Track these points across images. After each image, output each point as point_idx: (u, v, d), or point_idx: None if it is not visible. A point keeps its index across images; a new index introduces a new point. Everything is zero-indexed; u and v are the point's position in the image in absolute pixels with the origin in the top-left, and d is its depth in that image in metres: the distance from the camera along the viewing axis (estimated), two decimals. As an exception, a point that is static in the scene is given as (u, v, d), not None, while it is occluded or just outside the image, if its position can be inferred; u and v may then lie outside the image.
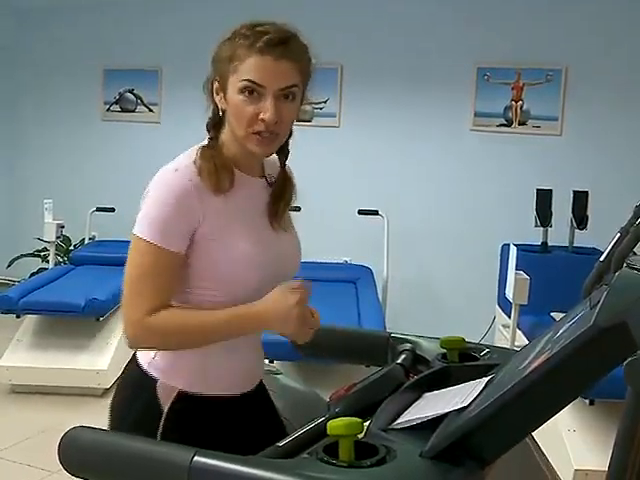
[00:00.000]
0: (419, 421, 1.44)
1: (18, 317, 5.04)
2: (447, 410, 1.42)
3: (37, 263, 6.83)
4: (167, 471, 1.28)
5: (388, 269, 5.56)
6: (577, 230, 5.14)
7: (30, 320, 5.12)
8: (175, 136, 6.84)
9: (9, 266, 6.99)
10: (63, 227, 5.87)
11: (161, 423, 1.68)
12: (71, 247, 6.83)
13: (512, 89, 5.81)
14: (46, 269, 6.16)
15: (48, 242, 5.89)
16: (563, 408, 1.25)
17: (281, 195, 1.82)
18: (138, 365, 1.74)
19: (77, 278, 5.59)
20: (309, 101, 1.78)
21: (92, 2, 6.80)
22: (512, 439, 1.28)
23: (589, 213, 5.08)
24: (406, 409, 1.55)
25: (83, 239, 6.54)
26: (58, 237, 5.86)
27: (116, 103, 7.12)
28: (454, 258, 6.10)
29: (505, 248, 5.05)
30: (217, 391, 1.74)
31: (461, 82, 5.94)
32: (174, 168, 1.64)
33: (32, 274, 6.43)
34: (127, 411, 1.74)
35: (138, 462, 1.31)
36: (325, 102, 6.41)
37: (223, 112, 1.69)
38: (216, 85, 1.69)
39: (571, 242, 5.18)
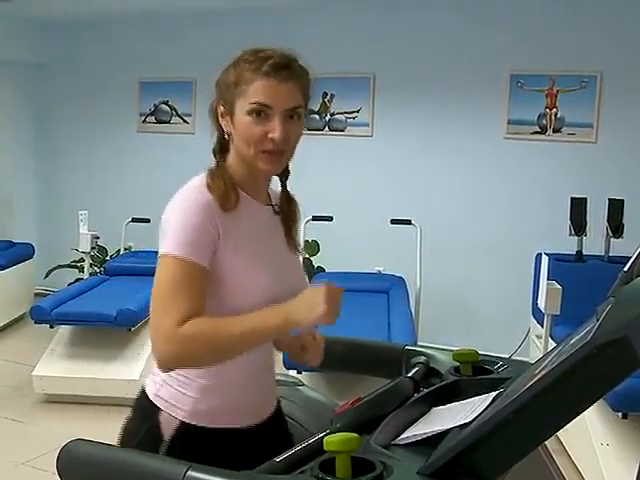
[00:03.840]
0: (421, 437, 1.41)
1: (52, 327, 5.10)
2: (450, 426, 1.39)
3: (74, 273, 6.91)
4: (160, 486, 1.27)
5: (421, 279, 5.51)
6: (613, 239, 5.04)
7: (63, 330, 5.17)
8: (209, 146, 6.86)
9: (47, 276, 7.09)
10: (98, 238, 5.94)
11: (161, 452, 1.70)
12: (107, 258, 6.89)
13: (546, 96, 5.73)
14: (82, 279, 6.22)
15: (83, 253, 5.95)
16: (564, 426, 1.21)
17: (289, 216, 1.87)
18: (145, 394, 1.78)
19: (110, 288, 5.63)
20: (307, 123, 1.80)
21: (127, 16, 6.87)
22: (511, 457, 1.25)
23: (625, 221, 4.99)
24: (412, 424, 1.52)
25: (119, 250, 6.60)
26: (93, 248, 5.93)
27: (151, 114, 7.19)
28: (488, 268, 6.03)
29: (539, 257, 4.98)
30: (219, 424, 1.74)
31: (494, 90, 5.87)
32: (189, 188, 1.68)
33: (69, 284, 6.50)
34: (131, 435, 1.79)
35: (133, 476, 1.31)
36: (358, 111, 6.39)
37: (229, 135, 1.72)
38: (221, 109, 1.72)
39: (607, 251, 5.08)
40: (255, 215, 1.77)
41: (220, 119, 1.73)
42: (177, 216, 1.64)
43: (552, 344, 4.27)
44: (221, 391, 1.73)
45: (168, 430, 1.71)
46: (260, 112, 1.65)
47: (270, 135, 1.65)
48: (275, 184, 1.88)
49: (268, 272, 1.71)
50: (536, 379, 1.19)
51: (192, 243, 1.61)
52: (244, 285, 1.67)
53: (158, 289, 1.60)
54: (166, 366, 1.62)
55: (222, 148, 1.77)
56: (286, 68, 1.66)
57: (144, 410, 1.77)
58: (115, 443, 1.64)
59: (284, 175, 1.86)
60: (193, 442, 1.72)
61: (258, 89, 1.65)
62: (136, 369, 4.86)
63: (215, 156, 1.77)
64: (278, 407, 1.93)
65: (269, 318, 1.60)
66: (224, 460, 1.67)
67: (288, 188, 1.89)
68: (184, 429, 1.71)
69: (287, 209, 1.87)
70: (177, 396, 1.72)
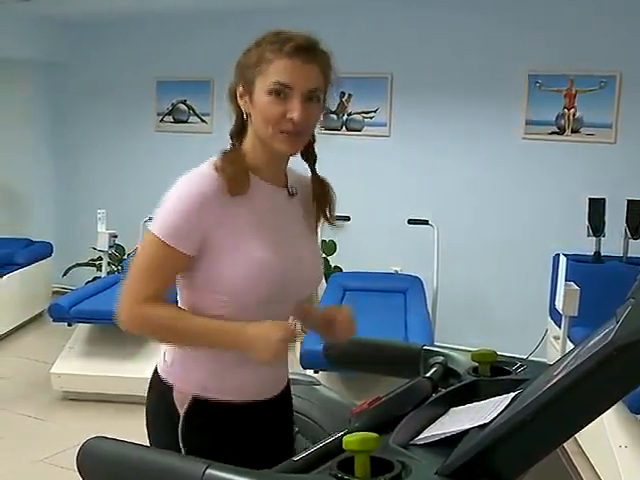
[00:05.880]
0: (440, 437, 1.41)
1: (70, 325, 5.12)
2: (468, 426, 1.39)
3: (92, 272, 6.94)
4: (180, 483, 1.28)
5: (438, 279, 5.50)
6: (631, 240, 5.02)
7: (81, 328, 5.20)
8: (227, 146, 6.88)
9: (65, 274, 7.12)
10: (116, 236, 5.96)
11: (179, 428, 1.74)
12: (125, 256, 6.92)
13: (564, 96, 5.69)
14: (100, 278, 6.25)
15: (101, 251, 5.98)
16: (583, 427, 1.21)
17: (324, 196, 1.89)
18: (157, 373, 1.83)
19: (128, 287, 5.64)
20: (329, 108, 1.85)
21: (144, 15, 6.88)
22: (530, 458, 1.25)
23: (644, 223, 4.96)
24: (430, 424, 1.52)
25: (136, 248, 6.61)
26: (111, 246, 5.95)
27: (169, 114, 7.20)
28: (505, 269, 6.01)
29: (556, 258, 4.96)
30: (231, 397, 1.77)
31: (512, 90, 5.84)
32: (196, 173, 1.71)
33: (87, 282, 6.53)
34: (153, 417, 1.84)
35: (151, 474, 1.32)
36: (375, 111, 6.37)
37: (247, 116, 1.73)
38: (240, 90, 1.73)
39: (625, 252, 5.06)
40: (268, 198, 1.77)
41: (239, 100, 1.73)
42: (172, 198, 1.69)
43: (570, 345, 4.26)
44: (233, 366, 1.75)
45: (182, 406, 1.74)
46: (280, 92, 1.66)
47: (289, 115, 1.66)
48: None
49: (273, 252, 1.71)
50: (555, 380, 1.18)
51: (176, 229, 1.66)
52: (245, 265, 1.68)
53: (136, 262, 1.73)
54: (126, 330, 1.74)
55: (239, 131, 1.78)
56: (308, 49, 1.68)
57: (158, 389, 1.81)
58: (134, 440, 1.66)
59: (311, 159, 1.87)
60: (207, 416, 1.75)
61: (279, 69, 1.66)
62: (153, 367, 4.86)
63: (232, 139, 1.78)
64: (288, 385, 1.95)
65: (223, 337, 1.69)
66: (238, 434, 1.75)
67: (318, 171, 1.89)
68: (197, 403, 1.74)
69: (320, 192, 1.88)
70: (188, 371, 1.76)
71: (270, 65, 1.66)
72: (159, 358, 1.84)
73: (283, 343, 1.64)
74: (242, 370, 1.75)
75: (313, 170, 1.89)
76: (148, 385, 1.87)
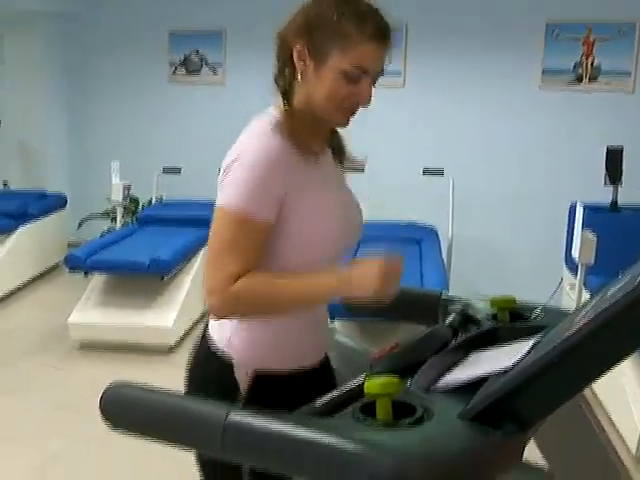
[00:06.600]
0: (461, 382, 1.41)
1: (86, 275, 5.16)
2: (490, 371, 1.39)
3: (107, 223, 6.96)
4: (202, 427, 1.29)
5: (453, 229, 5.49)
6: (649, 189, 4.98)
7: (97, 279, 5.23)
8: (239, 97, 6.86)
9: (80, 226, 7.14)
10: (130, 188, 5.95)
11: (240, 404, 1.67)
12: (139, 208, 6.93)
13: (582, 44, 5.62)
14: (114, 229, 6.27)
15: (116, 202, 5.98)
16: (606, 372, 1.20)
17: (339, 147, 1.86)
18: (213, 344, 1.73)
19: (143, 238, 5.67)
20: None
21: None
22: (553, 402, 1.25)
23: (662, 171, 4.92)
24: (450, 369, 1.52)
25: (151, 200, 6.62)
26: (125, 197, 5.95)
27: (181, 65, 7.14)
28: (521, 218, 5.99)
29: (573, 207, 4.93)
30: (290, 365, 1.73)
31: (529, 39, 5.77)
32: (259, 134, 1.61)
33: (102, 234, 6.55)
34: (204, 391, 1.70)
35: (175, 418, 1.33)
36: (389, 61, 6.29)
37: (301, 77, 1.65)
38: (299, 50, 1.63)
39: (643, 201, 5.03)
40: (324, 158, 1.76)
41: (297, 60, 1.64)
42: (243, 165, 1.56)
43: (585, 294, 4.25)
44: (290, 327, 1.72)
45: (244, 382, 1.68)
46: (355, 74, 1.61)
47: (357, 98, 1.64)
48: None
49: (339, 217, 1.70)
50: (581, 324, 1.18)
51: (255, 197, 1.56)
52: (318, 234, 1.65)
53: (213, 243, 1.58)
54: (218, 318, 1.64)
55: (287, 91, 1.69)
56: (387, 32, 1.65)
57: (214, 364, 1.71)
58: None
59: None
60: (267, 392, 1.69)
61: (362, 53, 1.60)
62: (169, 317, 4.92)
63: (284, 98, 1.68)
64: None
65: (321, 287, 1.61)
66: (298, 403, 1.62)
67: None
68: (259, 378, 1.69)
69: (336, 143, 1.85)
70: (251, 340, 1.69)
71: (354, 47, 1.59)
72: (216, 326, 1.74)
73: (384, 265, 1.55)
74: (296, 335, 1.73)
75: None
76: (197, 354, 1.77)
